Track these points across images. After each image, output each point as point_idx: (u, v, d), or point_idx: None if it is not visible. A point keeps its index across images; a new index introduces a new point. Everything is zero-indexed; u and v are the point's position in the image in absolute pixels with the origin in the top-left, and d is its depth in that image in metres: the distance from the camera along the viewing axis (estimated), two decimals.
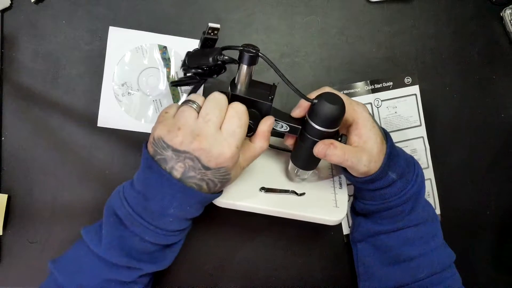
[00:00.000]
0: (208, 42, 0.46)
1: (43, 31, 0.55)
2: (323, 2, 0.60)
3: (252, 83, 0.45)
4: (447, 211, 0.62)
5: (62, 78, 0.55)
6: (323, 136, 0.45)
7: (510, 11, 0.61)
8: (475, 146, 0.63)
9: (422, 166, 0.61)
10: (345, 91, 0.60)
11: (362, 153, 0.45)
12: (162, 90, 0.57)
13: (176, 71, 0.57)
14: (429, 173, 0.61)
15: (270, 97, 0.45)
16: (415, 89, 0.61)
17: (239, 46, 0.42)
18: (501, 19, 0.62)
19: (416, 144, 0.61)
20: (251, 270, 0.59)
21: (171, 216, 0.42)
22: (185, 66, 0.48)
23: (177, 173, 0.41)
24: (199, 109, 0.41)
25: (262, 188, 0.51)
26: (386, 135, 0.49)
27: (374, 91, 0.60)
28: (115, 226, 0.43)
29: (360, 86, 0.60)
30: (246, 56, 0.41)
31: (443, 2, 0.62)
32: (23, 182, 0.55)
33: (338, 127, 0.45)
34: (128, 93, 0.56)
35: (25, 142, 0.55)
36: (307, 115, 0.45)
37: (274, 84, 0.46)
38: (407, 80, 0.61)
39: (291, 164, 0.51)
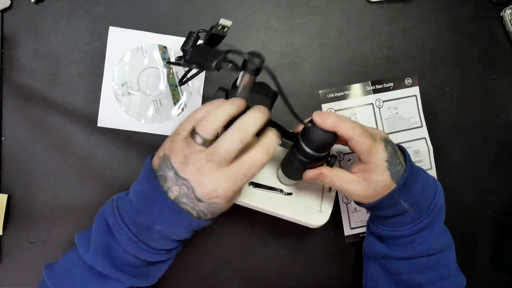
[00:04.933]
0: (215, 39, 0.44)
1: (43, 31, 0.55)
2: (323, 2, 0.60)
3: (255, 85, 0.44)
4: (447, 211, 0.61)
5: (62, 78, 0.55)
6: (312, 157, 0.44)
7: (510, 11, 0.61)
8: (475, 146, 0.63)
9: (425, 167, 0.61)
10: (346, 92, 0.60)
11: (357, 184, 0.45)
12: (162, 90, 0.57)
13: (176, 71, 0.57)
14: (432, 174, 0.61)
15: (268, 107, 0.43)
16: (415, 90, 0.61)
17: (244, 53, 0.40)
18: (501, 19, 0.62)
19: (419, 145, 0.61)
20: (250, 270, 0.59)
21: (157, 232, 0.41)
22: (185, 57, 0.46)
23: (171, 195, 0.40)
24: (206, 143, 0.39)
25: (251, 183, 0.51)
26: (405, 157, 0.47)
27: (375, 91, 0.60)
28: (104, 233, 0.42)
29: (361, 86, 0.60)
30: (250, 66, 0.40)
31: (443, 2, 0.62)
32: (23, 182, 0.55)
33: (328, 151, 0.45)
34: (128, 93, 0.56)
35: (25, 142, 0.55)
36: (300, 134, 0.45)
37: (276, 93, 0.45)
38: (407, 81, 0.61)
39: (280, 171, 0.51)
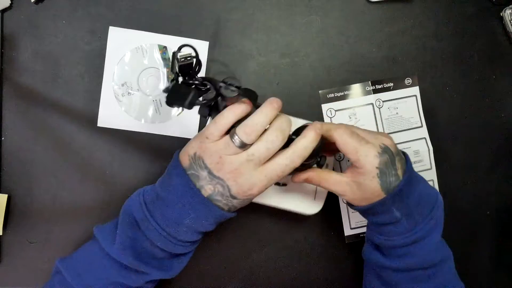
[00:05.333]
0: (185, 69, 0.42)
1: (43, 31, 0.55)
2: (323, 2, 0.60)
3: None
4: (447, 211, 0.61)
5: (62, 78, 0.55)
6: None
7: (510, 11, 0.61)
8: (475, 146, 0.63)
9: (425, 167, 0.61)
10: (346, 92, 0.60)
11: (345, 186, 0.45)
12: (162, 90, 0.57)
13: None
14: (432, 174, 0.61)
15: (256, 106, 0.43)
16: (415, 90, 0.61)
17: (218, 81, 0.40)
18: (501, 19, 0.62)
19: (419, 145, 0.60)
20: (250, 270, 0.59)
21: (186, 226, 0.42)
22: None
23: (204, 192, 0.41)
24: (244, 146, 0.40)
25: None
26: (407, 163, 0.46)
27: (375, 91, 0.60)
28: (130, 227, 0.43)
29: (361, 86, 0.60)
30: (227, 95, 0.40)
31: (443, 2, 0.62)
32: (23, 182, 0.55)
33: (315, 158, 0.45)
34: (128, 93, 0.56)
35: (25, 142, 0.55)
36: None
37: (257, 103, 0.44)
38: (407, 81, 0.61)
39: None
